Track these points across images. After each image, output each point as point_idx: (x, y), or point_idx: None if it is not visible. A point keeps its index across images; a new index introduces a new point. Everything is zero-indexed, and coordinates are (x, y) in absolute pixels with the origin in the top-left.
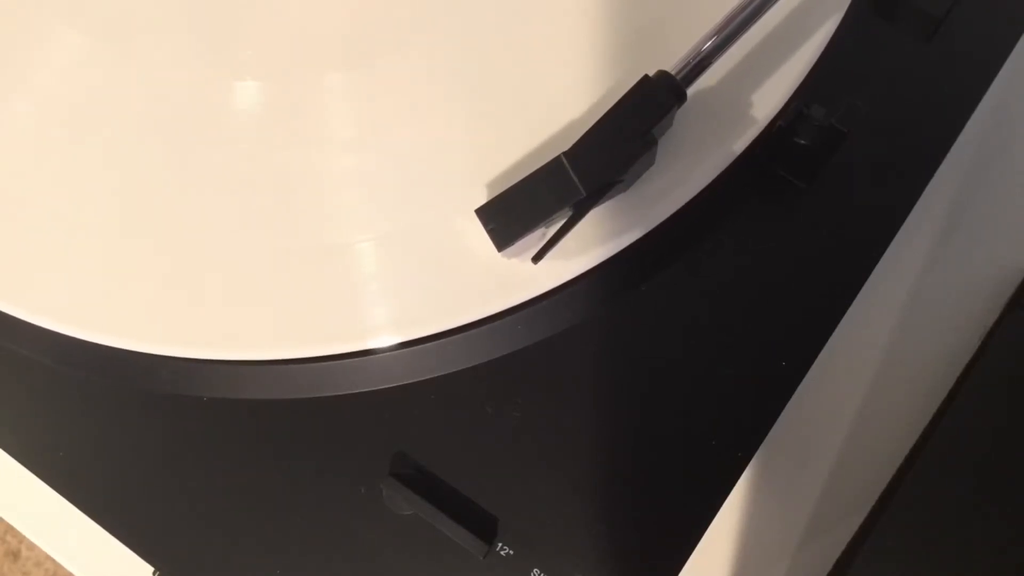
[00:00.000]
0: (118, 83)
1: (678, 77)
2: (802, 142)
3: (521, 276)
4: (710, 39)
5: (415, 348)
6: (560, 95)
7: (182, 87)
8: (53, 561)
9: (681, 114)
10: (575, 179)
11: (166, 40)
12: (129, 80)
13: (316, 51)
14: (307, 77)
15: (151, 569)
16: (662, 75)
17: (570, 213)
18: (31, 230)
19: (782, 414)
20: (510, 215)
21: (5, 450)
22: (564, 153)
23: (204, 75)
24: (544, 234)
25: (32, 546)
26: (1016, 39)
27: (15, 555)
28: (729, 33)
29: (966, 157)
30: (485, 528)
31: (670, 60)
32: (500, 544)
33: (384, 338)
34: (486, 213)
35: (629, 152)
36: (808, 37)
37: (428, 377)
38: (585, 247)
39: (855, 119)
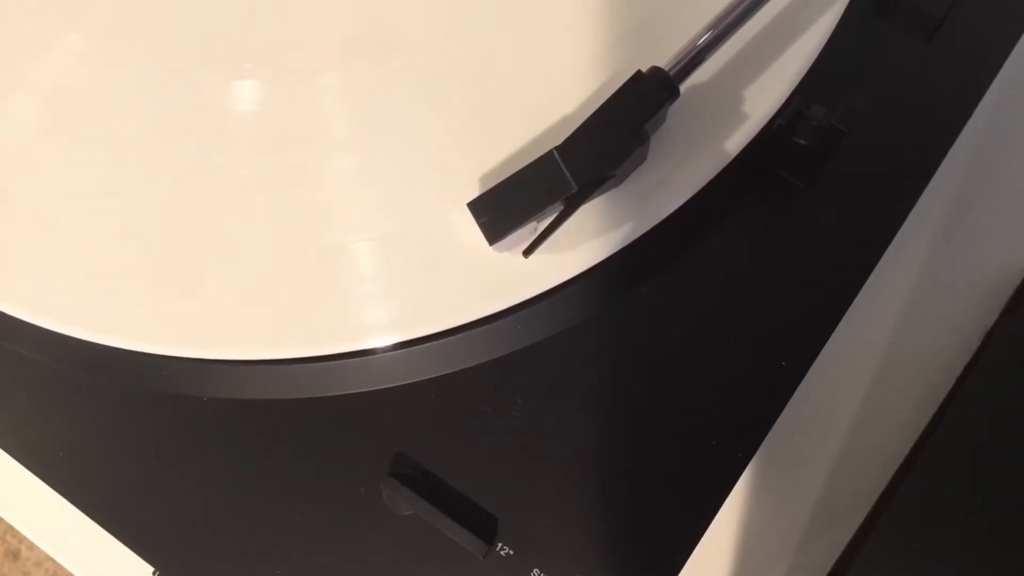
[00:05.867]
0: (117, 83)
1: (671, 73)
2: (802, 142)
3: (520, 276)
4: (704, 35)
5: (415, 348)
6: (554, 90)
7: (181, 87)
8: (53, 561)
9: (679, 112)
10: (567, 174)
11: (165, 40)
12: (128, 80)
13: (312, 51)
14: (304, 77)
15: (151, 569)
16: (655, 71)
17: (562, 207)
18: (31, 230)
19: (782, 414)
20: (502, 209)
21: (5, 450)
22: (556, 148)
23: (203, 75)
24: (536, 228)
25: (32, 546)
26: (1016, 39)
27: (15, 555)
28: (723, 30)
29: (966, 157)
30: (485, 528)
31: (665, 56)
32: (500, 544)
33: (384, 338)
34: (478, 207)
35: (621, 147)
36: (807, 36)
37: (428, 377)
38: (584, 246)
39: (855, 119)
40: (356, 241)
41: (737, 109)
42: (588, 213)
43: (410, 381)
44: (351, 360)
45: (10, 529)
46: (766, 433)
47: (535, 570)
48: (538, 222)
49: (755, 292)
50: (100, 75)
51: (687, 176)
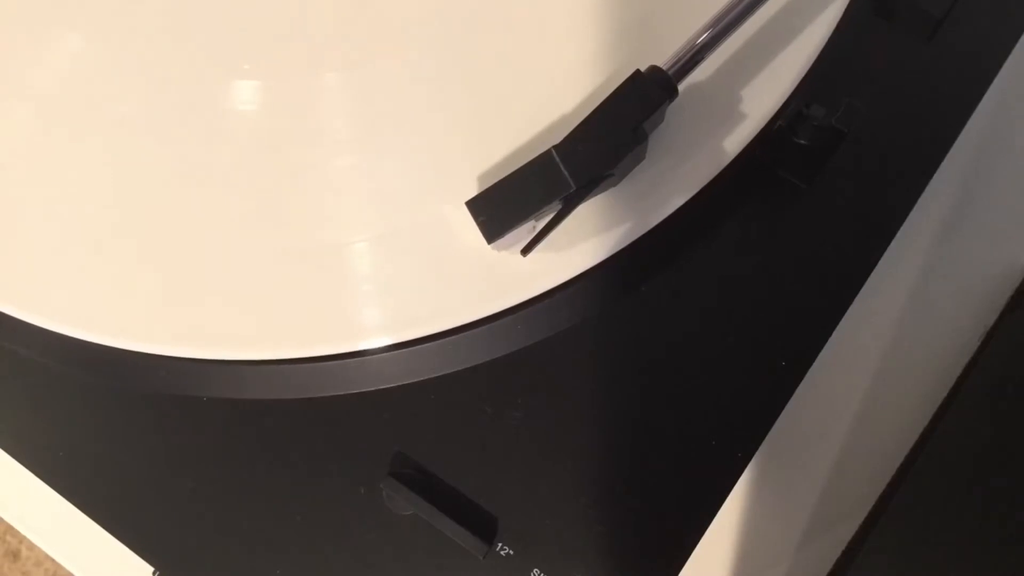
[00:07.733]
0: (117, 83)
1: (669, 72)
2: (802, 142)
3: (520, 276)
4: (703, 34)
5: (414, 348)
6: (553, 90)
7: (181, 87)
8: (53, 561)
9: (678, 111)
10: (565, 172)
11: (165, 40)
12: (128, 79)
13: (312, 51)
14: (303, 77)
15: (151, 569)
16: (653, 70)
17: (560, 206)
18: (31, 230)
19: (782, 414)
20: (500, 208)
21: (5, 450)
22: (554, 147)
23: (202, 74)
24: (534, 227)
25: (32, 546)
26: (1016, 39)
27: (15, 555)
28: (722, 29)
29: (966, 157)
30: (485, 528)
31: (664, 55)
32: (500, 544)
33: (383, 338)
34: (476, 205)
35: (619, 146)
36: (807, 36)
37: (428, 377)
38: (584, 246)
39: (855, 119)
40: (355, 241)
41: (736, 108)
42: (587, 213)
43: (410, 381)
44: (351, 360)
45: (10, 529)
46: (766, 433)
47: (535, 570)
48: (536, 221)
49: (755, 292)
50: (100, 74)
51: (686, 176)
